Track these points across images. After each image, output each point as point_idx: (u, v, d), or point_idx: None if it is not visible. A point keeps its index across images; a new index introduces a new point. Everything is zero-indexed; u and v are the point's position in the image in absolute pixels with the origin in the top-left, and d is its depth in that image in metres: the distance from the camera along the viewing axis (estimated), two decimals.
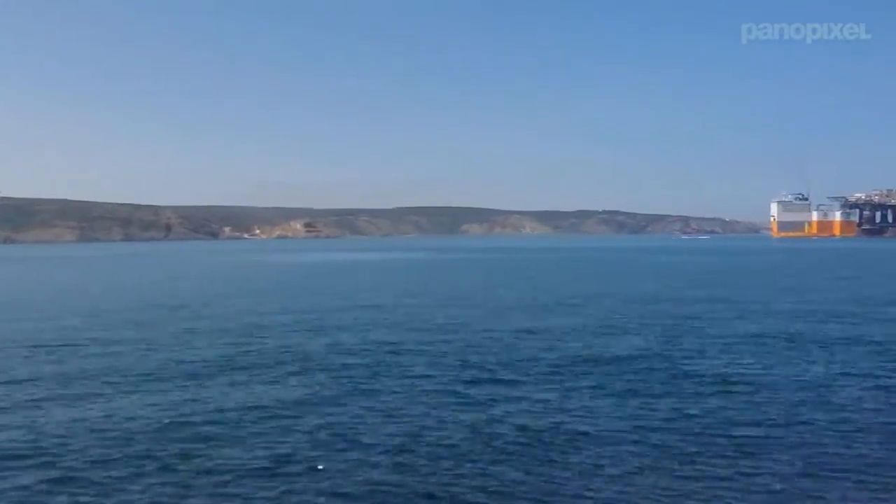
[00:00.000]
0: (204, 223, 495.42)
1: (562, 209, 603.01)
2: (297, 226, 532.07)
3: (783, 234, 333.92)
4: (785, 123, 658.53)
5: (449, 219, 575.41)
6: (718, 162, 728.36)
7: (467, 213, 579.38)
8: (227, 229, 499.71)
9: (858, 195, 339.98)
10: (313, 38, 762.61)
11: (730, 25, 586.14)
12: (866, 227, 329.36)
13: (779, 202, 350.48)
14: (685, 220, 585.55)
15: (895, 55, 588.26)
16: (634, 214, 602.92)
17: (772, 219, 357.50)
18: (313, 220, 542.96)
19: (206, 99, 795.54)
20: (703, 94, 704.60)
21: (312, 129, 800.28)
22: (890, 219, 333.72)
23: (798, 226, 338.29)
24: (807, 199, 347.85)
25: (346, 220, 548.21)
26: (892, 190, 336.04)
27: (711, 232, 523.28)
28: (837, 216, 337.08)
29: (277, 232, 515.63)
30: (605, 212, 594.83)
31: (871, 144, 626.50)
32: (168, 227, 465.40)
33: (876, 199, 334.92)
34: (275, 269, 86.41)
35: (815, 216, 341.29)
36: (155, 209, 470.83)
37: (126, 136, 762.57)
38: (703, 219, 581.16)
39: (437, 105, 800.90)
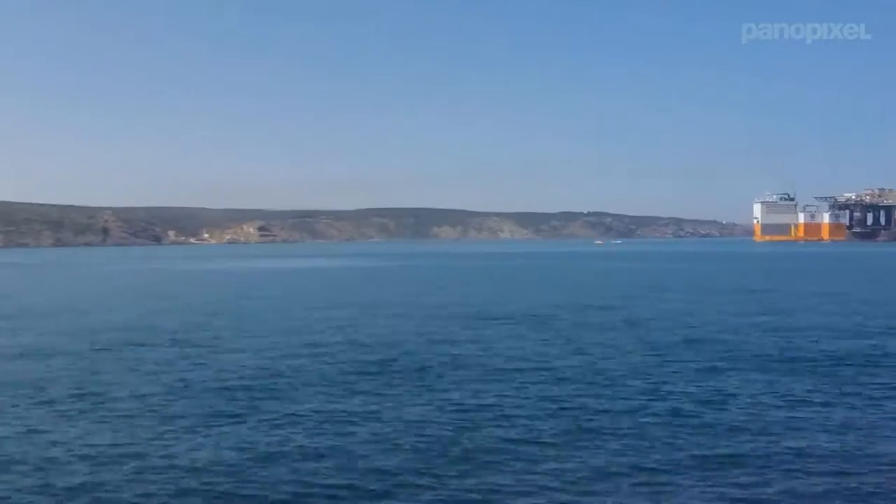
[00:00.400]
0: (146, 226, 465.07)
1: (544, 210, 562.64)
2: (251, 229, 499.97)
3: (767, 237, 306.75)
4: (783, 122, 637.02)
5: (418, 221, 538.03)
6: (715, 162, 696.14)
7: (439, 214, 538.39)
8: (171, 233, 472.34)
9: (848, 195, 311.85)
10: (265, 25, 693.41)
11: (730, 25, 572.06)
12: (857, 229, 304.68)
13: (762, 203, 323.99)
14: (678, 223, 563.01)
15: (895, 55, 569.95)
16: (623, 217, 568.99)
17: (755, 221, 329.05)
18: (268, 222, 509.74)
19: (149, 89, 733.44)
20: (703, 94, 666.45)
21: (267, 124, 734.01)
22: (883, 220, 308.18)
23: (783, 229, 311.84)
24: (793, 200, 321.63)
25: (305, 223, 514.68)
26: (884, 189, 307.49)
27: (707, 235, 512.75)
28: (826, 218, 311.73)
29: (228, 236, 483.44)
30: (591, 213, 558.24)
31: (867, 142, 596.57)
32: (105, 231, 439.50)
33: (867, 199, 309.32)
34: (177, 277, 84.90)
35: (801, 218, 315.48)
36: (90, 211, 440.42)
37: (56, 128, 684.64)
38: (697, 221, 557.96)
39: (404, 96, 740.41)
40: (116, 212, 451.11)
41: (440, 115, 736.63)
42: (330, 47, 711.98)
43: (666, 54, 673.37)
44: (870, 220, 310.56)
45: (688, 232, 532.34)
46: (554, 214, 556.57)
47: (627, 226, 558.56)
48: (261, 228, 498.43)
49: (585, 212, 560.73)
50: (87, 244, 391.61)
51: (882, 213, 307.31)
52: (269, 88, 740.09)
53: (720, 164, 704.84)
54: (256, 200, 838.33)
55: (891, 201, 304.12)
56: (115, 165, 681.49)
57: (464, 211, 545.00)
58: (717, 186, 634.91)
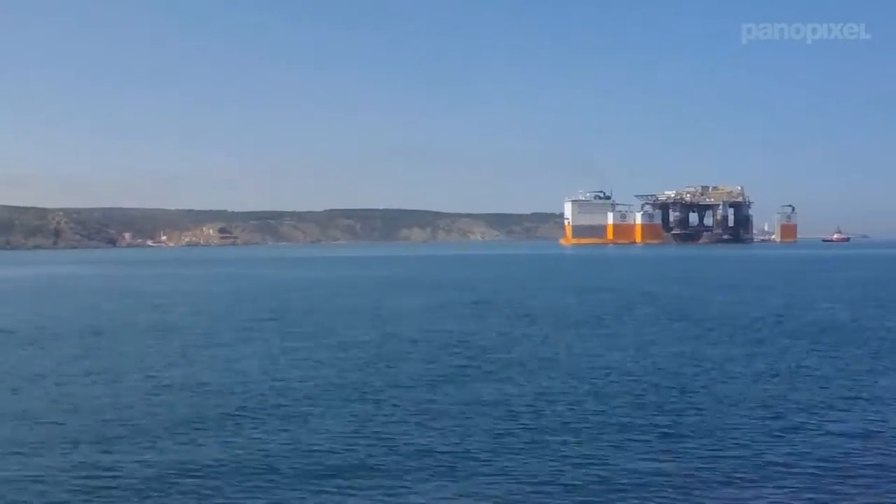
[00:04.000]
0: (100, 228, 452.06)
1: (516, 212, 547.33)
2: (210, 231, 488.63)
3: (578, 240, 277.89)
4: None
5: (386, 223, 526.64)
6: (715, 162, 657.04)
7: (407, 215, 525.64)
8: (127, 235, 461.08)
9: (669, 193, 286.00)
10: (217, 14, 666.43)
11: (730, 25, 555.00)
12: (677, 231, 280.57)
13: (573, 201, 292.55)
14: None
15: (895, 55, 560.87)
16: None
17: (566, 222, 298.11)
18: (229, 224, 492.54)
19: (100, 84, 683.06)
20: (702, 93, 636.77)
21: (226, 119, 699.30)
22: (708, 221, 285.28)
23: (598, 230, 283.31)
24: (609, 198, 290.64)
25: (268, 225, 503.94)
26: (707, 187, 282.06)
27: None
28: (638, 218, 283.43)
29: (187, 238, 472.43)
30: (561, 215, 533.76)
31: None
32: (57, 233, 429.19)
33: (688, 197, 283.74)
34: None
35: (610, 218, 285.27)
36: (41, 212, 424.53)
37: (3, 125, 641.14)
38: None
39: (368, 88, 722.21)
40: (69, 213, 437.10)
41: (407, 110, 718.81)
42: (296, 43, 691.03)
43: (666, 54, 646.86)
44: (695, 221, 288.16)
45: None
46: (526, 216, 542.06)
47: None
48: (221, 230, 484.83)
49: (559, 213, 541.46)
50: (38, 247, 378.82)
51: (708, 213, 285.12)
52: (227, 84, 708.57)
53: (721, 166, 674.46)
54: (217, 201, 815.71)
55: (713, 200, 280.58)
56: (67, 164, 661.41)
57: (433, 212, 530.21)
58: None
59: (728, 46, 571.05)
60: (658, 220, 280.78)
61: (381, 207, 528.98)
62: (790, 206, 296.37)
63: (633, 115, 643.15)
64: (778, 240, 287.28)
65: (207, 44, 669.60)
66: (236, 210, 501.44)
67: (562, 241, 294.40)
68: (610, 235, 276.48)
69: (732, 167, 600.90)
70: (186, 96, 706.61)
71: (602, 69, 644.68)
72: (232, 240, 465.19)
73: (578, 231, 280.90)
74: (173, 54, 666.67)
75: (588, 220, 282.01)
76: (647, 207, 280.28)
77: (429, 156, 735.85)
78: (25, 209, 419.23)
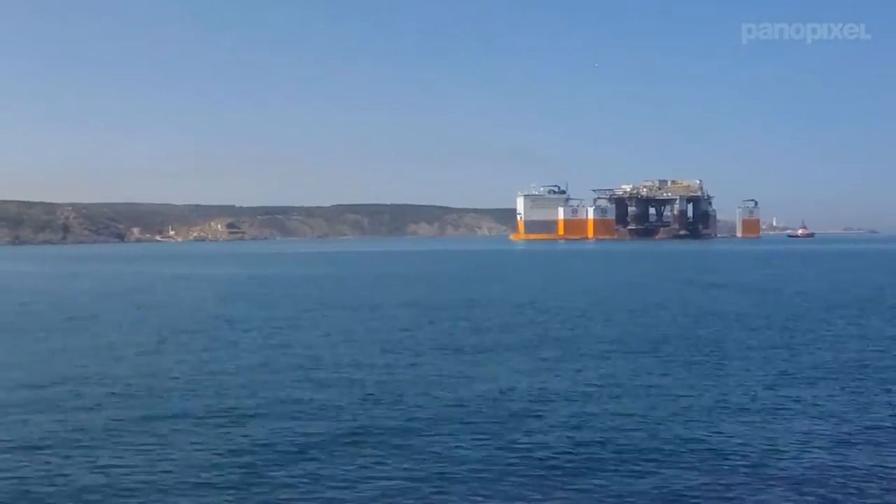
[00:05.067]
0: (109, 223, 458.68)
1: None
2: (219, 226, 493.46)
3: (529, 235, 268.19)
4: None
5: (393, 218, 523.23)
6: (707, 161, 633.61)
7: (415, 210, 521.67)
8: (135, 230, 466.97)
9: (625, 187, 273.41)
10: (224, 5, 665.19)
11: (730, 25, 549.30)
12: (633, 226, 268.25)
13: (525, 196, 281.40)
14: None
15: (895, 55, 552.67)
16: None
17: (518, 217, 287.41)
18: (237, 219, 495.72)
19: (109, 79, 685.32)
20: (704, 93, 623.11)
21: (233, 114, 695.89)
22: (668, 216, 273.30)
23: (550, 225, 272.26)
24: (564, 193, 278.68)
25: (276, 220, 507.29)
26: (665, 181, 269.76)
27: None
28: (590, 213, 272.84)
29: (195, 233, 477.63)
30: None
31: None
32: (66, 228, 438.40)
33: (644, 192, 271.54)
34: None
35: (561, 213, 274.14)
36: (50, 207, 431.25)
37: (12, 121, 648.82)
38: None
39: (374, 81, 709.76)
40: (78, 207, 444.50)
41: (415, 105, 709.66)
42: (299, 32, 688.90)
43: (666, 54, 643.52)
44: (654, 216, 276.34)
45: None
46: None
47: None
48: (229, 226, 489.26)
49: None
50: (46, 242, 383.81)
51: (667, 207, 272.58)
52: (236, 77, 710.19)
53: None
54: (225, 196, 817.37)
55: (670, 194, 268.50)
56: (76, 159, 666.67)
57: (441, 207, 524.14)
58: None
59: (728, 46, 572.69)
60: (612, 215, 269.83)
61: (388, 202, 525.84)
62: (752, 200, 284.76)
63: (641, 114, 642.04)
64: (739, 235, 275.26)
65: (215, 38, 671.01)
66: (244, 205, 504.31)
67: (513, 236, 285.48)
68: (561, 231, 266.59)
69: (734, 167, 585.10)
70: (194, 91, 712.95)
71: (602, 69, 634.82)
72: (240, 235, 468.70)
73: (530, 226, 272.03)
74: (180, 49, 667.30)
75: (540, 215, 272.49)
76: (600, 202, 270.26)
77: (437, 150, 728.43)
78: (34, 204, 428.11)
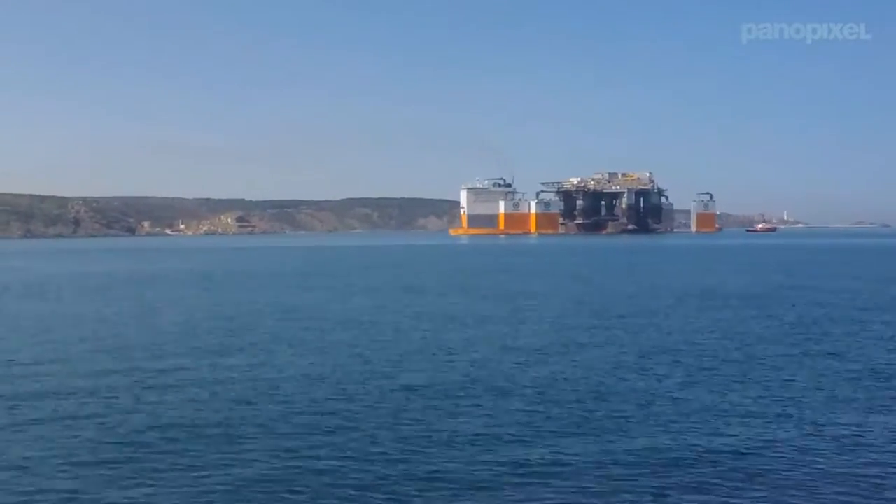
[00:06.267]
0: (119, 217, 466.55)
1: None
2: (229, 220, 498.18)
3: (471, 230, 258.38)
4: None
5: (403, 211, 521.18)
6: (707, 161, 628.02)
7: (425, 204, 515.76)
8: (146, 224, 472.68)
9: (573, 180, 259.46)
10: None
11: (730, 25, 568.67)
12: (581, 220, 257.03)
13: (469, 189, 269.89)
14: None
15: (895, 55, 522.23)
16: None
17: (461, 211, 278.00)
18: (247, 213, 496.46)
19: (121, 71, 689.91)
20: (702, 93, 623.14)
21: (242, 107, 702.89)
22: (617, 210, 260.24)
23: (493, 220, 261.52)
24: (510, 186, 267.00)
25: (286, 214, 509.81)
26: (615, 174, 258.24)
27: None
28: (532, 207, 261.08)
29: (205, 227, 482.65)
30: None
31: None
32: (77, 222, 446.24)
33: (592, 185, 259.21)
34: None
35: (502, 207, 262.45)
36: (61, 201, 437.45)
37: (24, 115, 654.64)
38: None
39: (382, 74, 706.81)
40: (88, 202, 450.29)
41: (426, 99, 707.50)
42: (306, 23, 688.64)
43: (666, 54, 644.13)
44: (603, 210, 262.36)
45: None
46: None
47: None
48: (239, 219, 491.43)
49: None
50: (58, 235, 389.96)
51: (616, 201, 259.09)
52: (248, 70, 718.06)
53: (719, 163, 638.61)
54: (235, 190, 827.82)
55: (618, 187, 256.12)
56: (87, 152, 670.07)
57: (451, 201, 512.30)
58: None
59: (728, 46, 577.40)
60: (557, 209, 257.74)
61: (398, 196, 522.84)
62: (708, 193, 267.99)
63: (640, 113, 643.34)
64: (694, 230, 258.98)
65: (223, 28, 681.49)
66: (254, 199, 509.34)
67: (453, 231, 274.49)
68: (501, 225, 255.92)
69: (732, 166, 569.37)
70: (202, 82, 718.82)
71: (604, 70, 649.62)
72: (250, 228, 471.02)
73: (473, 221, 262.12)
74: (187, 39, 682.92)
75: (484, 208, 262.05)
76: (544, 195, 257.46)
77: (447, 143, 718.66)
78: (45, 198, 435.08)
